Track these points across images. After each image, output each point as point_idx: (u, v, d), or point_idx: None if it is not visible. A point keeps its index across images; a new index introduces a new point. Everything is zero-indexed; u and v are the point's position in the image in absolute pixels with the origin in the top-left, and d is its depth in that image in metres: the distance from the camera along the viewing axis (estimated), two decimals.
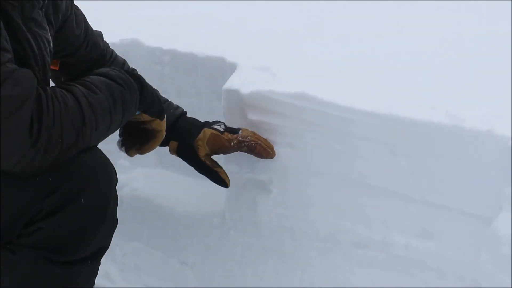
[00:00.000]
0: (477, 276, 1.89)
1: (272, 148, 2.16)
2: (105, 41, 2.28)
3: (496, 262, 1.81)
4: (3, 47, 1.60)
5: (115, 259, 2.58)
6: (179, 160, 2.24)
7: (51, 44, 1.88)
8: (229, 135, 2.14)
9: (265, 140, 2.16)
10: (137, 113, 1.91)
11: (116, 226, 1.84)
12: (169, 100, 2.23)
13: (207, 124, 2.19)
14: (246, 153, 2.17)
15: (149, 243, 2.57)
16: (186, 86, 2.55)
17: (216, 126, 2.17)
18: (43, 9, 1.85)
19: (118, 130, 1.97)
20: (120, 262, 2.60)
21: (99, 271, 1.89)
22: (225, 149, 2.16)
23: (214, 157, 2.21)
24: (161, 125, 2.00)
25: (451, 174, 1.92)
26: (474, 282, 1.91)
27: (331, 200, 2.14)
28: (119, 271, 2.60)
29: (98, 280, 1.92)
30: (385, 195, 2.04)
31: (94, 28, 2.22)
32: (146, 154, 2.07)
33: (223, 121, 2.21)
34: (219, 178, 2.18)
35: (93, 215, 1.74)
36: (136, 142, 2.04)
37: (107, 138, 1.83)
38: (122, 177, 1.94)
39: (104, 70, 1.84)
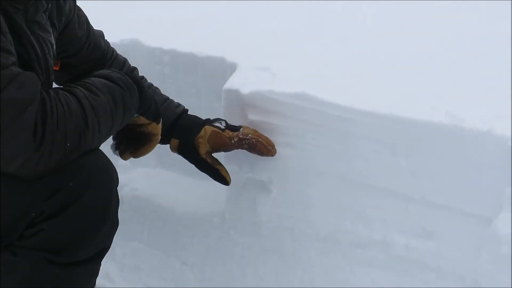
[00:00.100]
0: (477, 276, 1.89)
1: (273, 146, 2.15)
2: (106, 40, 2.28)
3: (496, 262, 1.81)
4: (7, 50, 1.61)
5: (115, 259, 2.58)
6: (179, 160, 2.24)
7: (54, 47, 1.88)
8: (230, 133, 2.14)
9: (266, 137, 2.15)
10: (134, 115, 1.91)
11: (117, 227, 1.84)
12: (169, 98, 2.23)
13: (208, 122, 2.19)
14: (246, 153, 2.17)
15: (149, 243, 2.57)
16: (186, 86, 2.56)
17: (217, 124, 2.17)
18: (47, 13, 1.85)
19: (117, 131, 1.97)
20: (120, 262, 2.60)
21: (99, 271, 1.88)
22: (226, 147, 2.16)
23: (214, 155, 2.21)
24: (157, 128, 1.99)
25: (451, 174, 1.92)
26: (474, 282, 1.91)
27: (331, 200, 2.14)
28: (119, 271, 2.60)
29: (98, 280, 1.91)
30: (385, 195, 2.04)
31: (95, 28, 2.22)
32: (146, 154, 2.07)
33: (224, 119, 2.21)
34: (220, 175, 2.18)
35: (95, 216, 1.74)
36: (130, 145, 2.04)
37: (108, 139, 1.83)
38: (122, 177, 1.93)
39: (105, 72, 1.84)
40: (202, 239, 2.44)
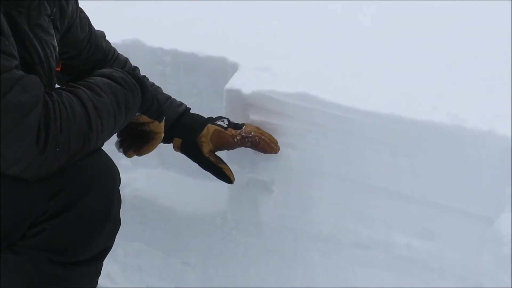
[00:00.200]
0: (478, 277, 1.90)
1: (276, 143, 2.15)
2: (107, 40, 2.28)
3: (498, 262, 1.81)
4: (9, 53, 1.60)
5: (117, 260, 2.58)
6: (180, 160, 2.24)
7: (57, 50, 1.88)
8: (233, 131, 2.14)
9: (269, 135, 2.15)
10: (136, 114, 1.91)
11: (119, 227, 1.84)
12: (171, 97, 2.23)
13: (211, 120, 2.19)
14: (247, 153, 2.18)
15: (151, 244, 2.57)
16: (188, 86, 2.56)
17: (219, 122, 2.17)
18: (52, 17, 1.85)
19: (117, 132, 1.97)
20: (122, 262, 2.60)
21: (101, 271, 1.88)
22: (229, 145, 2.16)
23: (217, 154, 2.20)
24: (160, 127, 2.00)
25: (452, 174, 1.93)
26: (475, 282, 1.92)
27: (332, 200, 2.14)
28: (121, 272, 2.59)
29: (100, 280, 1.91)
30: (386, 195, 2.05)
31: (96, 29, 2.21)
32: (148, 154, 2.08)
33: (226, 117, 2.20)
34: (223, 174, 2.18)
35: (97, 216, 1.74)
36: (134, 143, 2.04)
37: (110, 138, 1.83)
38: (124, 177, 1.93)
39: (107, 71, 1.84)
40: (204, 239, 2.44)
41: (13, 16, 1.68)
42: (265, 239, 2.28)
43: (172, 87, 2.52)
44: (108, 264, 2.30)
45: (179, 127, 2.17)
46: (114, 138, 2.01)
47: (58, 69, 2.08)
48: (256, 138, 2.13)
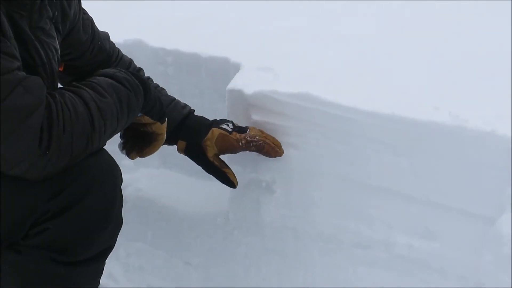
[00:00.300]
0: (479, 277, 1.90)
1: (280, 146, 2.16)
2: (112, 41, 2.28)
3: (499, 262, 1.82)
4: (12, 54, 1.60)
5: (119, 259, 2.58)
6: (182, 160, 2.24)
7: (59, 52, 1.88)
8: (238, 135, 2.14)
9: (273, 138, 2.16)
10: (138, 114, 1.91)
11: (121, 227, 1.84)
12: (176, 99, 2.23)
13: (215, 123, 2.18)
14: (249, 154, 2.17)
15: (153, 243, 2.57)
16: (190, 87, 2.55)
17: (224, 126, 2.16)
18: (53, 20, 1.85)
19: (119, 133, 1.97)
20: (124, 262, 2.60)
21: (103, 271, 1.89)
22: (234, 149, 2.16)
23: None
24: (162, 128, 2.00)
25: (453, 174, 1.93)
26: (476, 282, 1.92)
27: (334, 200, 2.15)
28: (123, 271, 2.59)
29: (102, 280, 1.91)
30: (387, 196, 2.05)
31: (99, 29, 2.21)
32: (152, 154, 2.08)
33: (231, 120, 2.21)
34: (227, 178, 2.18)
35: (99, 215, 1.74)
36: (136, 145, 2.04)
37: (112, 138, 1.83)
38: (126, 177, 1.93)
39: (110, 71, 1.83)
40: (205, 239, 2.45)
41: (15, 19, 1.68)
42: (266, 239, 2.28)
43: (174, 87, 2.52)
44: (110, 264, 2.30)
45: (183, 130, 2.17)
46: (117, 139, 2.01)
47: (61, 69, 2.09)
48: (261, 142, 2.13)
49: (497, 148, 1.85)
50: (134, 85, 1.83)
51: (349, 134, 2.06)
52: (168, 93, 2.26)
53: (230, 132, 2.15)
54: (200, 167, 2.21)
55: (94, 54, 2.18)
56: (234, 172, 2.20)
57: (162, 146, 2.07)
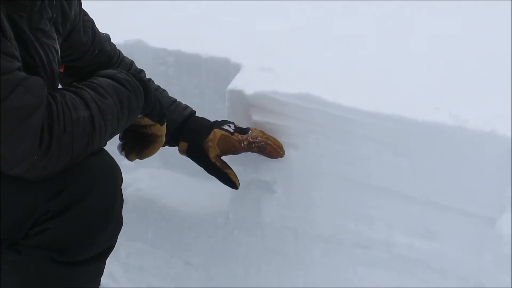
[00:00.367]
0: (479, 277, 1.90)
1: (281, 147, 2.16)
2: (112, 43, 2.27)
3: (499, 262, 1.82)
4: (12, 55, 1.60)
5: (119, 259, 2.58)
6: (183, 160, 2.24)
7: (59, 53, 1.88)
8: (239, 136, 2.14)
9: (274, 139, 2.16)
10: (138, 116, 1.92)
11: (121, 227, 1.84)
12: (177, 100, 2.23)
13: (217, 125, 2.18)
14: (250, 154, 2.17)
15: (153, 244, 2.57)
16: (190, 87, 2.55)
17: (226, 127, 2.16)
18: (52, 21, 1.84)
19: (119, 134, 1.97)
20: (125, 262, 2.60)
21: (104, 271, 1.89)
22: (235, 150, 2.15)
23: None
24: (161, 130, 2.00)
25: (454, 174, 1.93)
26: (476, 282, 1.92)
27: (334, 200, 2.14)
28: (123, 271, 2.59)
29: (103, 280, 1.91)
30: (388, 196, 2.05)
31: (100, 30, 2.21)
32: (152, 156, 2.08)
33: (232, 121, 2.20)
34: (229, 179, 2.18)
35: (99, 215, 1.74)
36: (136, 146, 2.04)
37: (112, 138, 1.83)
38: (126, 178, 1.94)
39: (111, 72, 1.84)
40: (206, 240, 2.45)
41: (15, 20, 1.68)
42: (267, 239, 2.29)
43: (175, 87, 2.52)
44: (111, 264, 2.30)
45: (185, 131, 2.17)
46: (117, 139, 2.02)
47: (61, 70, 2.09)
48: (263, 143, 2.13)
49: (497, 149, 1.84)
50: (135, 86, 1.83)
51: (349, 134, 2.06)
52: (169, 94, 2.25)
53: (232, 133, 2.14)
54: (200, 168, 2.20)
55: (95, 56, 2.18)
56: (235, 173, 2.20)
57: (165, 148, 2.07)
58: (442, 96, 2.05)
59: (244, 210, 2.31)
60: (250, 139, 2.13)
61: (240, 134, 2.14)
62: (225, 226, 2.38)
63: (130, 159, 2.06)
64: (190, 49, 2.53)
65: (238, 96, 2.19)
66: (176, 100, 2.22)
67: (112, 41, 2.28)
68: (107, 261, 1.86)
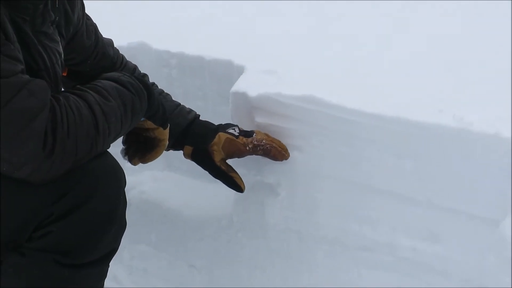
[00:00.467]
0: (483, 279, 1.90)
1: (286, 150, 2.16)
2: (116, 48, 2.27)
3: (502, 265, 1.81)
4: (15, 58, 1.60)
5: (123, 262, 2.58)
6: (186, 163, 2.24)
7: (62, 56, 1.88)
8: (244, 139, 2.14)
9: (279, 141, 2.16)
10: (141, 119, 1.92)
11: (125, 229, 1.84)
12: (181, 104, 2.23)
13: (221, 128, 2.18)
14: (254, 156, 2.17)
15: (157, 246, 2.57)
16: (194, 89, 2.55)
17: (230, 130, 2.16)
18: (54, 24, 1.84)
19: (122, 137, 1.97)
20: (128, 264, 2.60)
21: (107, 273, 1.89)
22: (240, 153, 2.16)
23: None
24: (164, 134, 1.99)
25: (457, 177, 1.93)
26: (480, 284, 1.91)
27: (338, 202, 2.15)
28: (127, 274, 2.59)
29: (106, 283, 1.91)
30: (391, 198, 2.05)
31: (102, 32, 2.21)
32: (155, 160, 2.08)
33: (236, 124, 2.21)
34: (234, 183, 2.18)
35: (103, 218, 1.74)
36: (139, 151, 2.04)
37: (116, 141, 1.83)
38: (130, 180, 1.93)
39: (115, 75, 1.84)
40: (209, 242, 2.45)
41: (18, 23, 1.68)
42: (270, 241, 2.29)
43: (178, 90, 2.52)
44: (114, 266, 2.30)
45: (189, 135, 2.17)
46: (120, 142, 2.02)
47: (65, 74, 2.09)
48: (268, 146, 2.13)
49: (501, 151, 1.84)
50: (138, 89, 1.83)
51: (353, 136, 2.06)
52: (172, 96, 2.25)
53: (237, 137, 2.15)
54: (204, 170, 2.21)
55: (98, 60, 2.18)
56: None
57: (169, 151, 2.07)
58: (443, 97, 2.05)
59: (248, 212, 2.31)
60: (255, 142, 2.13)
61: (245, 137, 2.14)
62: (229, 229, 2.38)
63: (133, 164, 2.06)
64: (193, 51, 2.53)
65: (242, 98, 2.19)
66: (180, 104, 2.22)
67: (115, 45, 2.28)
68: (110, 264, 1.86)
